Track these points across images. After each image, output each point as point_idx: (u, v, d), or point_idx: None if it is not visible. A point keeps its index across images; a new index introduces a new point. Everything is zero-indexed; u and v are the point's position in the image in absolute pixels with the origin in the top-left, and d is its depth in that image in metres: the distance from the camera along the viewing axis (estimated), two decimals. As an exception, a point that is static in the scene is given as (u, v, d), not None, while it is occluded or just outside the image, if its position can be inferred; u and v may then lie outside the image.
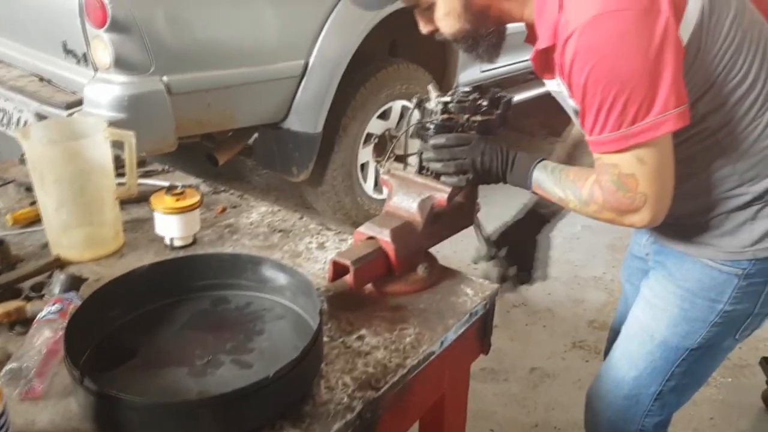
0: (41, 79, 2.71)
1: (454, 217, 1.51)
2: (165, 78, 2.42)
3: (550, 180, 1.32)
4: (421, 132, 1.46)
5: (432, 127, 1.43)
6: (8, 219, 1.58)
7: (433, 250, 1.48)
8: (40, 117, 2.51)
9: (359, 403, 1.08)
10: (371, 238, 1.41)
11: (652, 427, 1.52)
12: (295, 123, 2.90)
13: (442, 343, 1.26)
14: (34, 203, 1.60)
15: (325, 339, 1.22)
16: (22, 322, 1.23)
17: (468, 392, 1.51)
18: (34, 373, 1.07)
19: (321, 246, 1.57)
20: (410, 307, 1.35)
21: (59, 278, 1.32)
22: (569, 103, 1.29)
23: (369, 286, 1.39)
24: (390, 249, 1.38)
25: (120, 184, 1.51)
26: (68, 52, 2.57)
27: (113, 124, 2.33)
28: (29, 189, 1.64)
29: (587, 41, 1.10)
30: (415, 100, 1.48)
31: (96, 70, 2.44)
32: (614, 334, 1.67)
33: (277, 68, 2.72)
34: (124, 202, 1.63)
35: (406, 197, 1.46)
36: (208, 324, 1.24)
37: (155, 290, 1.26)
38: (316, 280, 1.42)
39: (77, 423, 1.02)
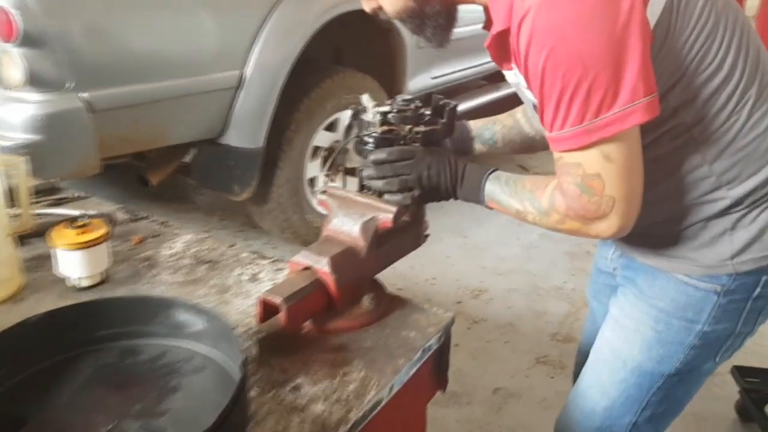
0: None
1: (401, 238, 1.35)
2: (85, 94, 2.21)
3: (504, 192, 1.18)
4: (359, 147, 1.29)
5: (371, 140, 1.27)
6: None
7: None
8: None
9: (291, 474, 0.90)
10: (307, 268, 1.24)
11: None
12: (234, 138, 2.71)
13: (391, 388, 1.10)
14: None
15: (254, 393, 1.04)
16: None
17: (425, 435, 1.35)
18: None
19: (254, 278, 1.39)
20: (355, 346, 1.18)
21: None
22: (528, 96, 1.14)
23: (307, 324, 1.22)
24: (329, 280, 1.21)
25: (15, 216, 1.31)
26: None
27: (28, 146, 2.12)
28: None
29: (544, 21, 0.97)
30: (351, 112, 1.31)
31: (6, 88, 2.21)
32: (582, 357, 1.53)
33: (210, 79, 2.53)
34: (25, 237, 1.42)
35: (347, 219, 1.29)
36: (113, 382, 1.04)
37: (50, 344, 1.06)
38: (246, 319, 1.24)
39: None
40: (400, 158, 1.23)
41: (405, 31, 3.27)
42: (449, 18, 1.18)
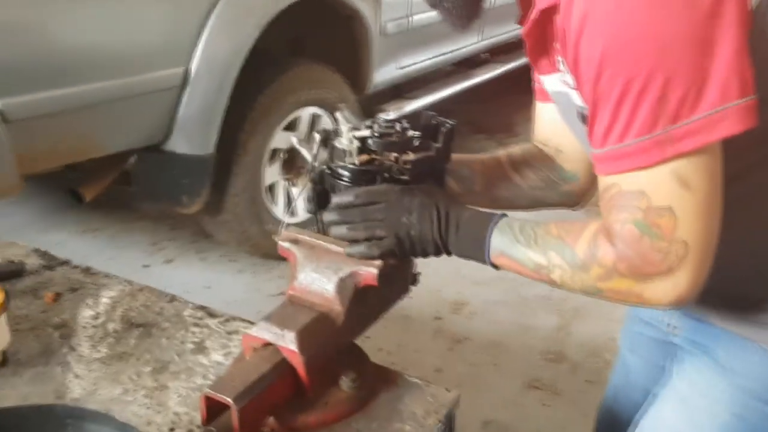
0: None
1: (387, 287, 1.05)
2: (-4, 102, 1.86)
3: (519, 242, 0.88)
4: (332, 181, 1.00)
5: (346, 174, 0.97)
6: None
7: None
8: None
9: None
10: (268, 344, 0.94)
11: None
12: (179, 144, 2.37)
13: None
14: None
15: None
16: None
17: None
18: None
19: (199, 347, 1.09)
20: (333, 449, 0.90)
21: None
22: (574, 105, 0.87)
23: (270, 421, 0.92)
24: (298, 362, 0.93)
25: None
26: None
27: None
28: None
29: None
30: (318, 136, 1.01)
31: None
32: (607, 416, 1.26)
33: (149, 79, 2.19)
34: None
35: (318, 276, 1.00)
36: None
37: None
38: (191, 413, 0.94)
39: None
40: (370, 201, 0.95)
41: (370, 18, 2.96)
42: None
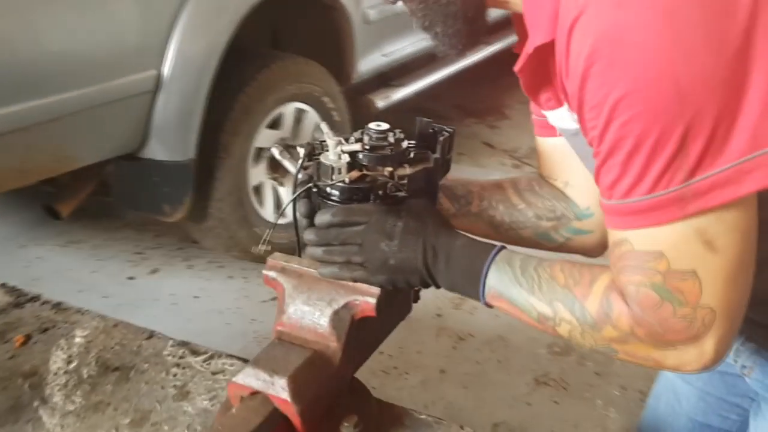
0: None
1: (387, 314, 0.95)
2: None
3: (521, 284, 0.77)
4: (319, 201, 0.89)
5: (336, 193, 0.87)
6: None
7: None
8: None
9: None
10: (256, 392, 0.84)
11: None
12: (157, 150, 2.25)
13: None
14: None
15: None
16: None
17: None
18: None
19: (182, 392, 0.99)
20: None
21: None
22: (580, 147, 0.76)
23: (262, 479, 0.82)
24: (291, 412, 0.83)
25: None
26: None
27: None
28: None
29: (613, 24, 0.61)
30: (302, 150, 0.90)
31: None
32: None
33: (120, 85, 2.06)
34: None
35: (310, 308, 0.90)
36: None
37: None
38: (175, 474, 0.84)
39: None
40: (346, 222, 0.84)
41: (351, 5, 2.83)
42: (467, 7, 0.78)
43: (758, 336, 0.88)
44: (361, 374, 0.96)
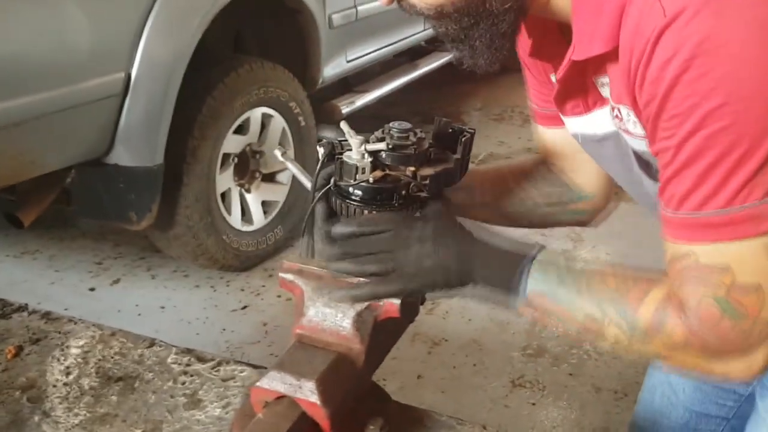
0: None
1: (404, 313, 0.94)
2: None
3: (567, 284, 0.75)
4: (341, 203, 0.87)
5: (359, 194, 0.85)
6: None
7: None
8: None
9: None
10: (281, 396, 0.82)
11: None
12: (123, 156, 2.18)
13: None
14: None
15: None
16: None
17: None
18: None
19: (193, 400, 0.95)
20: None
21: None
22: (634, 150, 0.76)
23: (294, 487, 0.80)
24: (321, 415, 0.80)
25: None
26: None
27: None
28: None
29: (711, 32, 0.60)
30: (322, 150, 0.89)
31: None
32: None
33: (86, 88, 1.99)
34: None
35: (331, 310, 0.88)
36: None
37: None
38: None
39: None
40: (374, 230, 0.81)
41: (316, 10, 2.81)
42: (515, 25, 0.76)
43: None
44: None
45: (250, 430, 0.79)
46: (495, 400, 2.21)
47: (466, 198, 1.00)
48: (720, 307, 0.66)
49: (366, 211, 0.85)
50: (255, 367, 1.01)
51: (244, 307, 2.57)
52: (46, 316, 1.13)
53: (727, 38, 0.61)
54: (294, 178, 0.98)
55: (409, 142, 0.87)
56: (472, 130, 0.91)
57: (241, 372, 1.00)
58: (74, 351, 1.04)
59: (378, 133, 0.88)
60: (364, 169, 0.84)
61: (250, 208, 2.75)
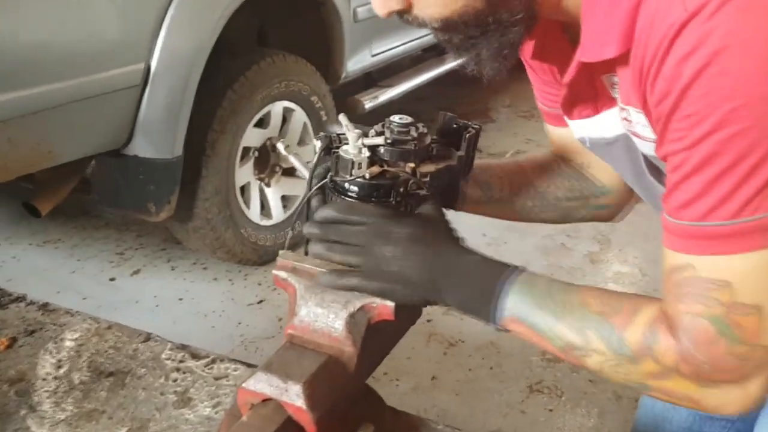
0: None
1: (401, 316, 0.90)
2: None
3: (545, 308, 0.70)
4: (335, 198, 0.84)
5: (355, 189, 0.81)
6: None
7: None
8: None
9: None
10: (267, 399, 0.78)
11: None
12: (143, 147, 2.18)
13: None
14: None
15: None
16: None
17: None
18: None
19: (183, 398, 0.93)
20: None
21: None
22: (644, 154, 0.72)
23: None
24: (307, 420, 0.77)
25: None
26: None
27: None
28: None
29: (735, 29, 0.55)
30: (319, 143, 0.85)
31: None
32: None
33: (106, 78, 1.99)
34: None
35: (323, 311, 0.84)
36: None
37: None
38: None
39: None
40: (348, 220, 0.78)
41: (341, 2, 2.78)
42: (525, 33, 0.72)
43: None
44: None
45: (228, 435, 0.76)
46: (511, 405, 2.15)
47: (482, 195, 0.97)
48: (716, 327, 0.61)
49: None
50: (249, 365, 0.98)
51: (261, 302, 2.55)
52: (44, 307, 1.11)
53: (753, 34, 0.56)
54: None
55: (409, 137, 0.83)
56: (478, 126, 0.87)
57: (235, 371, 0.97)
58: (68, 344, 1.03)
59: (378, 127, 0.84)
60: (360, 164, 0.81)
61: (269, 203, 2.74)
